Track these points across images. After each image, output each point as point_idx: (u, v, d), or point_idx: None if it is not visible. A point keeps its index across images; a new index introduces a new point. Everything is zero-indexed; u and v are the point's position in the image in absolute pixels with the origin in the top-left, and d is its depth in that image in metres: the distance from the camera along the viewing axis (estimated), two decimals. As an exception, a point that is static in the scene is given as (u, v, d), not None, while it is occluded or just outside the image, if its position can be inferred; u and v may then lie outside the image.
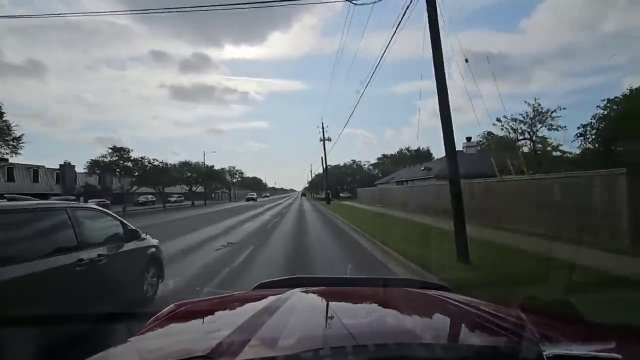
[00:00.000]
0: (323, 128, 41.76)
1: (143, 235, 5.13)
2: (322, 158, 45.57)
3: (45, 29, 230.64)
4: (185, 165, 53.37)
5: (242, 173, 79.12)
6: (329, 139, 42.17)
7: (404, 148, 65.04)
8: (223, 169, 65.31)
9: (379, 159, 70.31)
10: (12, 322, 2.79)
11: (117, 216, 4.85)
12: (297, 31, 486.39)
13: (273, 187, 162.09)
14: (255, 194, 62.92)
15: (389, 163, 62.61)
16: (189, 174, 52.97)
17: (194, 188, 55.90)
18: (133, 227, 4.90)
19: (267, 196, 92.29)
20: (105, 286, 4.03)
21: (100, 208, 4.71)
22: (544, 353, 0.76)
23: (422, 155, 57.47)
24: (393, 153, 68.47)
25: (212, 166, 57.90)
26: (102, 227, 4.38)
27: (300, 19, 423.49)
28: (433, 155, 57.64)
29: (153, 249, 5.32)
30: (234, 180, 76.05)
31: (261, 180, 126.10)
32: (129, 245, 4.65)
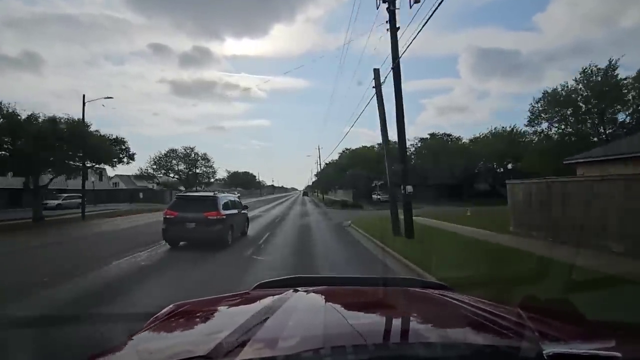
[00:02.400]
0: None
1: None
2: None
3: (42, 22, 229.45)
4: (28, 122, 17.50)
5: (208, 160, 46.14)
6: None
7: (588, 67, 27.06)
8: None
9: (422, 139, 45.83)
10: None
11: (239, 199, 13.37)
12: (300, 26, 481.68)
13: (272, 186, 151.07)
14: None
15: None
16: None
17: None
18: (245, 204, 13.75)
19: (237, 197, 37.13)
20: (240, 222, 12.28)
21: (237, 196, 14.11)
22: (544, 352, 0.76)
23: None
24: (438, 132, 46.35)
25: (88, 126, 20.58)
26: (238, 203, 12.37)
27: (305, 10, 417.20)
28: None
29: (248, 215, 13.84)
30: (197, 172, 44.84)
31: (254, 177, 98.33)
32: (243, 211, 12.74)
